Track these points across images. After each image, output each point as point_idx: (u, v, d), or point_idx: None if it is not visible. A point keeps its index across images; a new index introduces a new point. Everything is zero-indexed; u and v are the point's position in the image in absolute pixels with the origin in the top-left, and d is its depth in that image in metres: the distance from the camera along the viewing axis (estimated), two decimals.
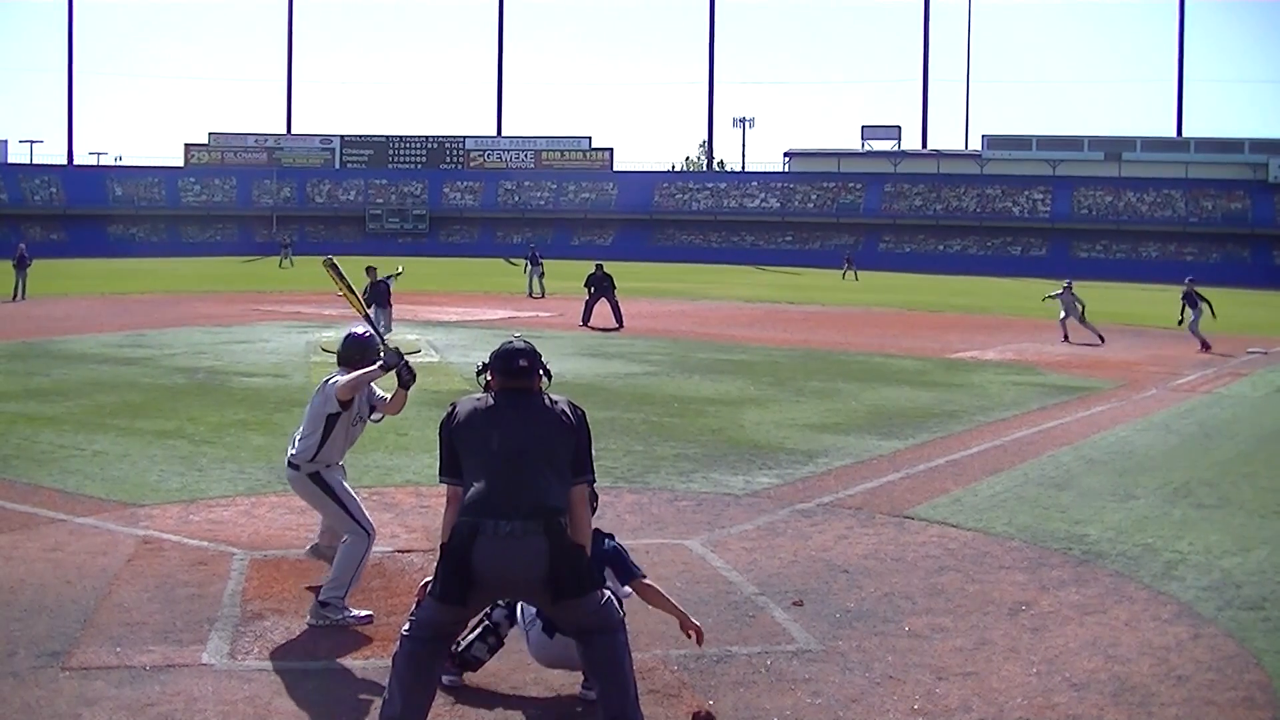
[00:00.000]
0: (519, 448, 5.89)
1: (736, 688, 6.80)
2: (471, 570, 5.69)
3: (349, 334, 8.51)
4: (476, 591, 5.77)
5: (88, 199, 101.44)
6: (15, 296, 38.99)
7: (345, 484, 8.28)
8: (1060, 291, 32.87)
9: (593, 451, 6.18)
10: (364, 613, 7.95)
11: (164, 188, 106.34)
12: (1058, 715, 6.52)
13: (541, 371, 6.28)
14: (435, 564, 5.89)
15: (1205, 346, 29.57)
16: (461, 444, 6.03)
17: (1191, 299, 31.06)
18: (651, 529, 10.31)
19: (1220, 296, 32.86)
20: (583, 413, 6.19)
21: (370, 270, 27.48)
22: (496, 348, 6.29)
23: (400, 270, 29.18)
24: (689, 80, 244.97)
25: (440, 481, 6.19)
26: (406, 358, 7.96)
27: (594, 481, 6.19)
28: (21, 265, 40.16)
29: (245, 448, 13.74)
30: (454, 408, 6.20)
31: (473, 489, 5.88)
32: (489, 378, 6.25)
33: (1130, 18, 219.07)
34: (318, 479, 8.14)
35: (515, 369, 6.19)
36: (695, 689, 6.77)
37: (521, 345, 6.33)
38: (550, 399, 6.17)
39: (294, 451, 8.19)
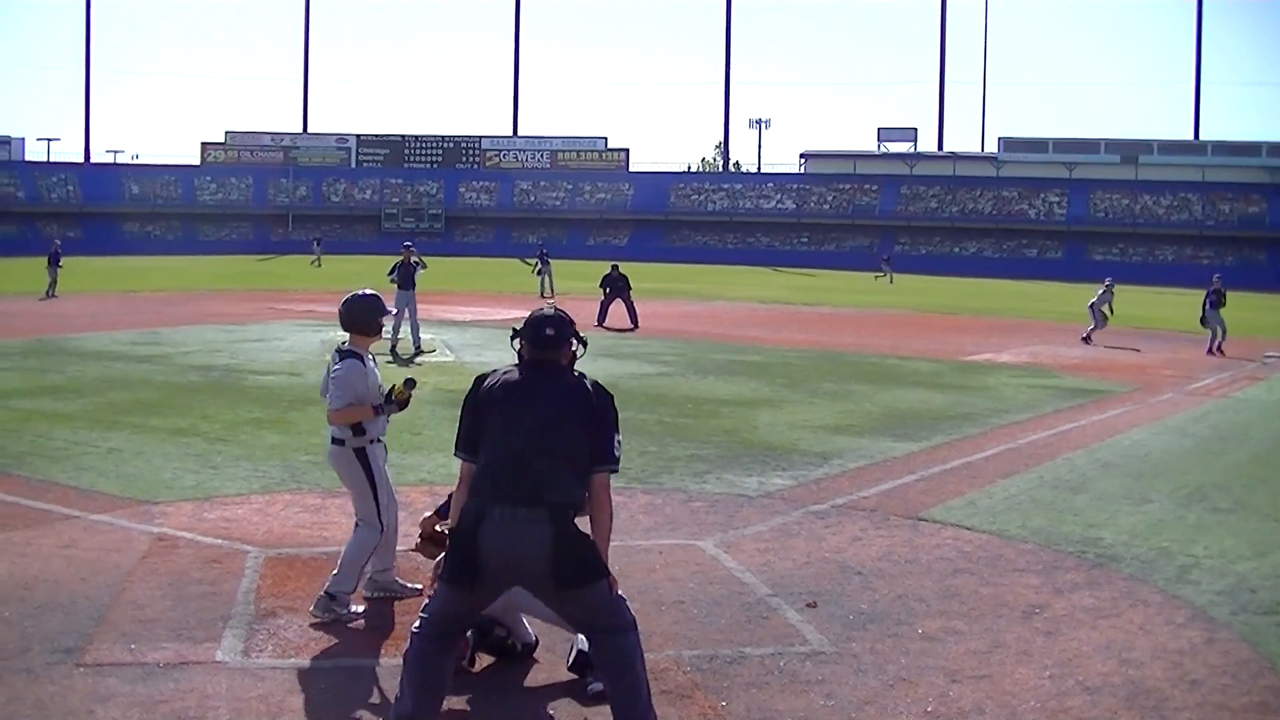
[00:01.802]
0: (534, 431, 5.80)
1: (749, 689, 6.79)
2: (478, 554, 5.64)
3: (354, 295, 8.32)
4: (483, 577, 5.69)
5: (104, 197, 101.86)
6: (49, 293, 39.33)
7: (384, 467, 8.20)
8: (1102, 290, 32.93)
9: (617, 438, 6.04)
10: (360, 607, 7.97)
11: (180, 186, 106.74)
12: (1071, 719, 6.50)
13: (575, 341, 6.15)
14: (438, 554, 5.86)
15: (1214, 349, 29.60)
16: (482, 420, 5.96)
17: (1215, 298, 30.71)
18: (665, 529, 10.30)
19: (1236, 300, 32.75)
20: (610, 397, 6.07)
21: (407, 248, 26.99)
22: (531, 313, 6.19)
23: (425, 265, 28.08)
24: (705, 81, 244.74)
25: (455, 455, 6.12)
26: (394, 401, 8.03)
27: (615, 470, 6.03)
28: (54, 262, 40.46)
29: (260, 446, 13.75)
30: (480, 381, 6.10)
31: (481, 470, 5.83)
32: (520, 345, 6.13)
33: (1147, 21, 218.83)
34: (362, 456, 8.03)
35: (541, 339, 6.07)
36: (708, 690, 6.76)
37: (550, 312, 6.18)
38: (579, 378, 6.04)
39: (336, 427, 8.08)
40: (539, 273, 48.15)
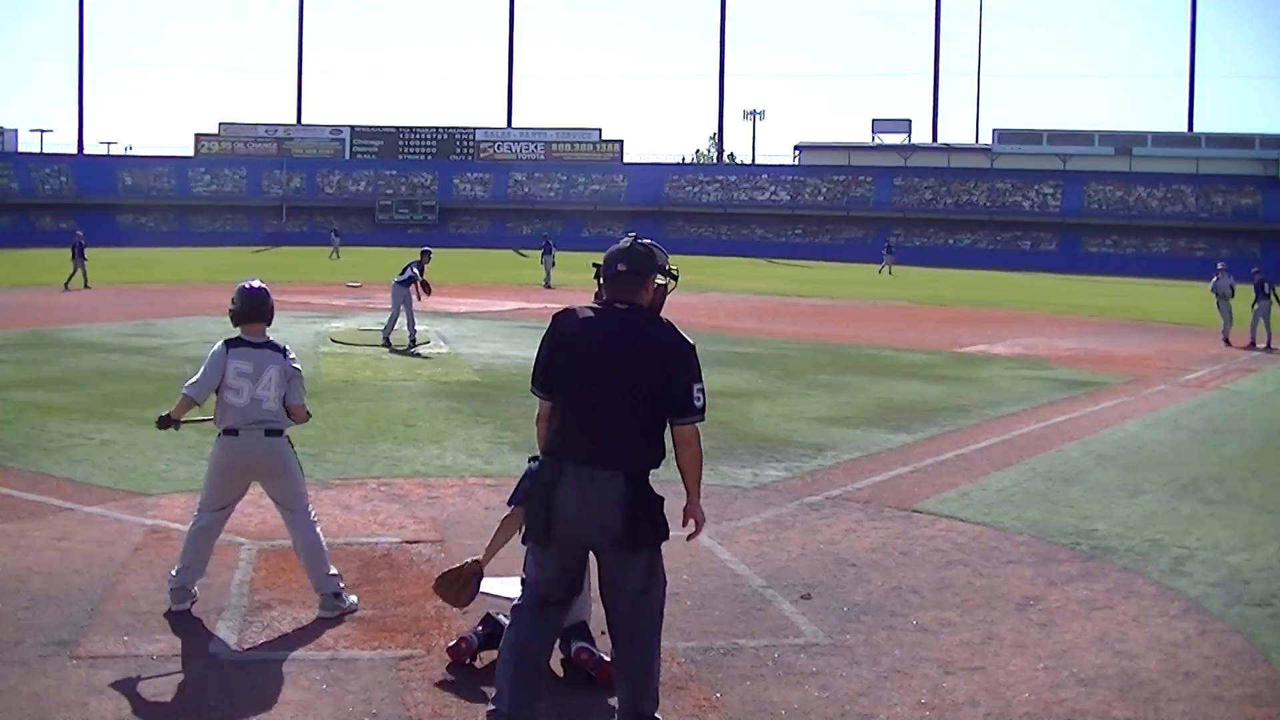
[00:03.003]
0: (612, 386, 5.56)
1: (744, 680, 6.80)
2: (553, 513, 5.56)
3: (256, 286, 8.14)
4: (558, 534, 5.60)
5: (97, 188, 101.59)
6: (79, 283, 40.32)
7: None
8: (1216, 278, 31.63)
9: (698, 388, 5.71)
10: (355, 597, 7.96)
11: (174, 177, 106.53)
12: (1065, 710, 6.50)
13: (659, 276, 5.78)
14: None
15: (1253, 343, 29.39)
16: (556, 362, 5.71)
17: (1260, 290, 30.08)
18: None
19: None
20: (690, 346, 5.70)
21: (426, 253, 26.57)
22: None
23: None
24: (700, 72, 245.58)
25: (531, 391, 5.88)
26: None
27: (700, 420, 5.74)
28: (78, 253, 40.88)
29: None
30: (558, 317, 5.81)
31: (559, 426, 5.67)
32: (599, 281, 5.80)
33: (1142, 12, 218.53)
34: (291, 445, 7.95)
35: (613, 274, 5.72)
36: (702, 681, 6.77)
37: (627, 244, 5.78)
38: (660, 326, 5.71)
39: (275, 417, 7.80)
40: (543, 262, 48.40)
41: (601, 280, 5.83)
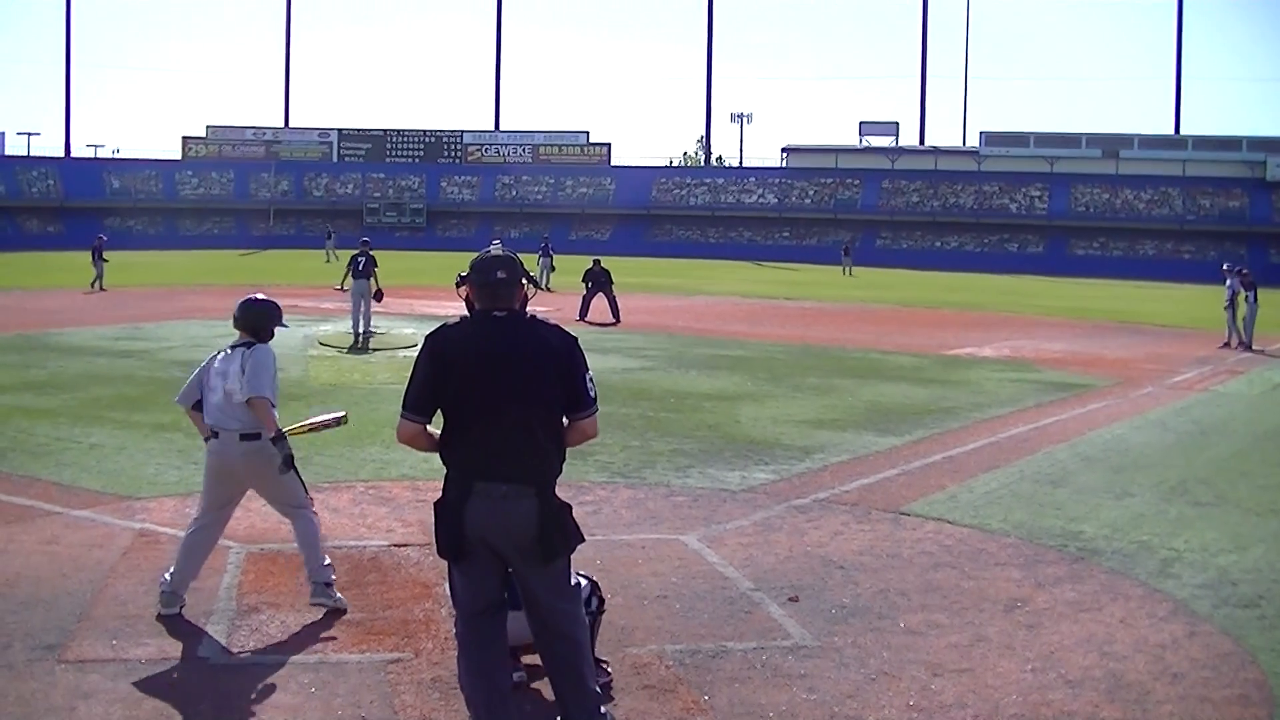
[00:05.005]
0: (517, 399, 5.52)
1: (732, 683, 6.80)
2: (463, 530, 5.53)
3: (248, 299, 8.13)
4: (471, 550, 5.58)
5: (85, 192, 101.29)
6: (94, 285, 40.81)
7: None
8: (1230, 279, 30.69)
9: (589, 377, 5.76)
10: (340, 595, 8.00)
11: (161, 181, 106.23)
12: (1053, 712, 6.52)
13: (525, 281, 5.79)
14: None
15: (1242, 343, 29.38)
16: (448, 384, 5.58)
17: (1254, 289, 29.87)
18: (647, 524, 10.32)
19: (1217, 295, 32.76)
20: (574, 339, 5.74)
21: (364, 243, 27.53)
22: (476, 256, 5.85)
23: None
24: (687, 75, 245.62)
25: (403, 416, 5.73)
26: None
27: (597, 410, 5.80)
28: (98, 255, 41.64)
29: None
30: (439, 335, 5.70)
31: (463, 442, 5.59)
32: (468, 293, 5.76)
33: (1129, 15, 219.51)
34: (278, 449, 7.90)
35: (493, 282, 5.66)
36: (690, 684, 6.77)
37: (499, 252, 5.80)
38: (547, 328, 5.70)
39: (246, 420, 7.76)
40: (540, 266, 48.26)
41: (473, 289, 5.73)
